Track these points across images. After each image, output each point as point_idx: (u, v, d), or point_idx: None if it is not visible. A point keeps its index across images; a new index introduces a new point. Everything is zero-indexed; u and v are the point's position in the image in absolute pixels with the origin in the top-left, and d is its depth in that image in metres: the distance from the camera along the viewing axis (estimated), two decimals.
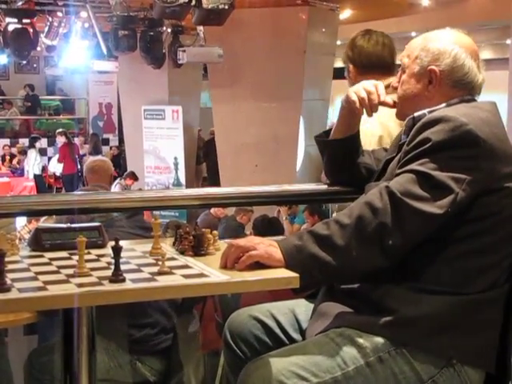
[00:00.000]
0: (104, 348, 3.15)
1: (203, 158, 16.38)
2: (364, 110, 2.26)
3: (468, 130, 1.92)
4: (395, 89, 2.21)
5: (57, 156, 16.01)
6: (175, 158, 13.50)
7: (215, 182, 13.54)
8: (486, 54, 17.35)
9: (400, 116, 2.22)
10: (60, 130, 16.29)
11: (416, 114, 2.11)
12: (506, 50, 14.16)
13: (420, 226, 1.91)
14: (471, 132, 1.92)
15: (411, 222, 1.89)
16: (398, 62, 2.55)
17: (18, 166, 16.50)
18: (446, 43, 2.11)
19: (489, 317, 1.99)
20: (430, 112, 2.06)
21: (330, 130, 2.44)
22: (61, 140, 15.66)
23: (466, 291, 1.95)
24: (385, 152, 2.38)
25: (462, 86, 2.10)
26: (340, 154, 2.39)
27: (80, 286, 1.68)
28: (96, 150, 16.98)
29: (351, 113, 2.31)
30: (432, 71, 2.09)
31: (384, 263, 1.91)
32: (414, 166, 1.95)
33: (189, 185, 13.66)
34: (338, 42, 14.27)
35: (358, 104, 2.24)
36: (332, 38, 12.47)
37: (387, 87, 2.28)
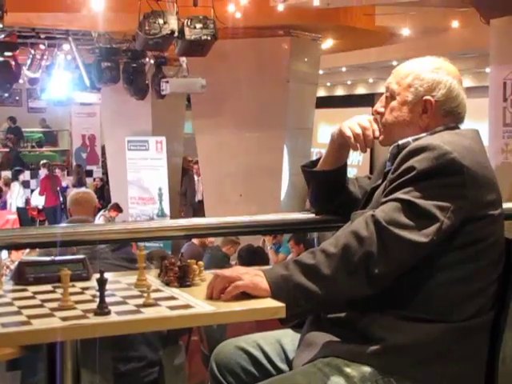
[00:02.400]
0: (89, 382, 3.11)
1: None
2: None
3: (452, 158, 1.94)
4: (378, 114, 2.21)
5: (38, 189, 15.94)
6: (159, 189, 13.49)
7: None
8: (466, 82, 17.52)
9: (386, 142, 2.21)
10: (43, 161, 16.24)
11: (401, 142, 2.12)
12: (485, 78, 14.31)
13: (406, 255, 1.91)
14: (455, 160, 1.94)
15: (397, 250, 1.89)
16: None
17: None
18: (441, 73, 2.13)
19: (476, 344, 1.99)
20: (415, 140, 2.07)
21: (317, 159, 2.44)
22: (43, 172, 15.61)
23: (452, 319, 1.94)
24: (368, 180, 2.39)
25: (453, 115, 2.14)
26: (327, 184, 2.39)
27: (64, 319, 1.66)
28: (80, 182, 16.92)
29: (342, 146, 2.32)
30: (428, 101, 2.11)
31: (370, 292, 1.91)
32: (399, 194, 1.95)
33: (173, 215, 13.63)
34: (321, 72, 14.40)
35: (353, 140, 2.24)
36: (314, 67, 12.58)
37: None
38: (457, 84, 2.15)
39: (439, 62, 2.18)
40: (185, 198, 15.30)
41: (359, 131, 2.23)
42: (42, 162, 16.40)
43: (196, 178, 15.86)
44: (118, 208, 12.72)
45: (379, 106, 2.22)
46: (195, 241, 9.13)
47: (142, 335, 3.31)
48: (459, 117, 2.16)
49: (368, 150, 2.28)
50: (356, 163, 18.98)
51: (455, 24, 11.51)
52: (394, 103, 2.16)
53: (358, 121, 2.25)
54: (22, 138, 20.08)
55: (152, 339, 3.39)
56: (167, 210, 13.47)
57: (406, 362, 1.92)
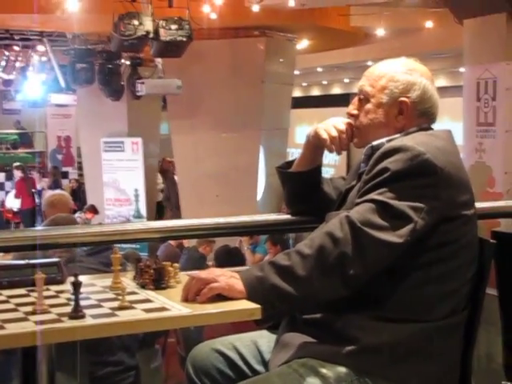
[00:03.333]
0: None
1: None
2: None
3: (426, 159, 1.95)
4: (352, 116, 2.22)
5: (13, 191, 15.81)
6: (135, 190, 13.44)
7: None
8: (441, 81, 17.65)
9: (361, 144, 2.22)
10: (17, 163, 16.10)
11: (375, 143, 2.13)
12: (459, 77, 14.43)
13: (380, 255, 1.92)
14: (429, 161, 1.95)
15: (372, 251, 1.90)
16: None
17: None
18: (415, 75, 2.15)
19: (450, 343, 2.01)
20: (389, 141, 2.08)
21: (292, 160, 2.44)
22: (18, 174, 15.49)
23: (426, 318, 1.96)
24: (343, 180, 2.40)
25: (427, 116, 2.16)
26: (302, 185, 2.40)
27: (39, 323, 1.65)
28: (56, 184, 16.82)
29: (317, 148, 2.33)
30: (403, 103, 2.13)
31: (345, 292, 1.92)
32: (373, 195, 1.96)
33: (149, 216, 13.59)
34: (296, 72, 14.43)
35: (329, 142, 2.24)
36: (289, 67, 12.60)
37: None
38: (430, 85, 2.17)
39: (412, 64, 2.20)
40: (169, 203, 15.10)
41: (335, 134, 2.23)
42: (14, 164, 16.23)
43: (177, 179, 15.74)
44: (93, 210, 12.66)
45: (352, 108, 2.22)
46: (172, 242, 9.11)
47: (118, 339, 3.30)
48: (432, 117, 2.18)
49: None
50: (333, 163, 19.04)
51: (429, 24, 11.60)
52: (368, 106, 2.17)
53: (333, 123, 2.26)
54: None
55: (129, 343, 3.38)
56: (143, 211, 13.43)
57: (381, 362, 1.93)
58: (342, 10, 11.07)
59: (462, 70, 9.88)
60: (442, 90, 17.07)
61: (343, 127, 2.24)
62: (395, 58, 2.26)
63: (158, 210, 15.37)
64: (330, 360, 1.93)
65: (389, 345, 1.93)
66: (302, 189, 2.41)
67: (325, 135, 2.25)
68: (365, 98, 2.18)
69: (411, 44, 13.06)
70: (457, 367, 2.03)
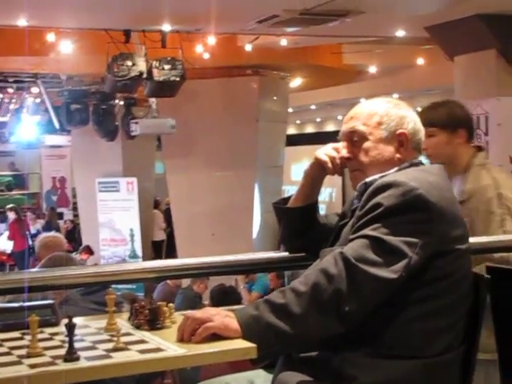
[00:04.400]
0: None
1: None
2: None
3: (418, 194, 1.96)
4: (348, 159, 2.23)
5: (6, 233, 15.74)
6: (131, 230, 13.42)
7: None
8: None
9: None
10: (10, 205, 16.07)
11: (368, 180, 2.14)
12: None
13: (375, 291, 1.91)
14: (421, 196, 1.96)
15: (366, 287, 1.90)
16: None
17: None
18: (403, 108, 2.20)
19: (446, 380, 1.99)
20: (382, 177, 2.09)
21: (289, 197, 2.45)
22: (11, 216, 15.44)
23: (422, 354, 1.95)
24: (337, 217, 2.40)
25: (418, 149, 2.20)
26: (298, 221, 2.41)
27: (33, 366, 1.63)
28: (51, 225, 16.77)
29: (315, 181, 2.36)
30: (402, 134, 2.16)
31: (340, 329, 1.91)
32: (366, 231, 1.97)
33: (145, 255, 13.55)
34: (290, 110, 14.52)
35: (330, 164, 2.28)
36: (283, 105, 12.68)
37: None
38: (417, 118, 2.22)
39: (394, 100, 2.27)
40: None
41: (335, 154, 2.27)
42: (8, 206, 16.19)
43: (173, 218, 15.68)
44: (89, 250, 12.62)
45: (345, 152, 2.23)
46: (169, 281, 9.07)
47: (113, 381, 3.26)
48: (421, 150, 2.22)
49: (340, 185, 2.31)
50: (328, 199, 19.07)
51: (420, 61, 11.71)
52: (367, 144, 2.17)
53: (332, 146, 2.30)
54: None
55: None
56: (139, 251, 13.39)
57: None
58: (335, 48, 11.18)
59: None
60: None
61: (336, 152, 2.27)
62: (387, 94, 2.30)
63: (156, 249, 15.33)
64: None
65: (386, 382, 1.92)
66: (298, 224, 2.42)
67: (325, 157, 2.28)
68: (360, 138, 2.18)
69: (403, 81, 13.19)
70: None
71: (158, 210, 16.28)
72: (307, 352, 2.02)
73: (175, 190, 12.49)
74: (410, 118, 2.19)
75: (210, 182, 11.60)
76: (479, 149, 3.38)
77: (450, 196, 2.08)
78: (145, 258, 13.12)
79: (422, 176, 2.04)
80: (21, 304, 2.06)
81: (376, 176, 2.13)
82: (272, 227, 11.22)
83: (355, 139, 2.20)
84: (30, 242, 14.55)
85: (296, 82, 13.06)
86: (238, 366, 2.16)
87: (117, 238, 13.52)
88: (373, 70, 12.17)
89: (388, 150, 2.16)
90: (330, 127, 21.97)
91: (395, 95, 12.86)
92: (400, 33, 9.08)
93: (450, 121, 3.28)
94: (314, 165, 2.34)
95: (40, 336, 1.80)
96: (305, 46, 10.47)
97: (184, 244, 12.19)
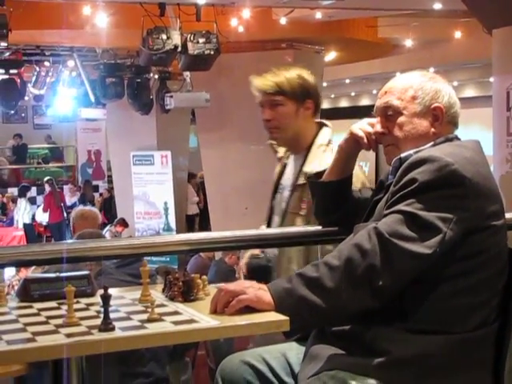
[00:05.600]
0: None
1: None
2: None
3: (454, 169, 1.94)
4: (382, 134, 2.21)
5: (42, 205, 15.98)
6: (165, 203, 13.49)
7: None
8: (470, 91, 17.54)
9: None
10: (47, 178, 16.29)
11: (403, 155, 2.13)
12: (488, 87, 14.33)
13: (409, 267, 1.91)
14: (457, 172, 1.94)
15: (400, 262, 1.89)
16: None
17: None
18: (439, 82, 2.18)
19: (480, 355, 1.98)
20: (416, 152, 2.08)
21: (322, 171, 2.45)
22: (47, 188, 15.64)
23: (456, 330, 1.94)
24: (371, 192, 2.39)
25: (454, 123, 2.18)
26: (332, 195, 2.41)
27: (69, 336, 1.66)
28: (87, 198, 16.94)
29: (350, 155, 2.35)
30: (437, 108, 2.14)
31: (374, 304, 1.91)
32: (401, 206, 1.96)
33: (179, 229, 13.63)
34: (324, 84, 14.42)
35: (365, 139, 2.27)
36: (318, 79, 12.53)
37: None
38: (452, 91, 2.20)
39: (430, 73, 2.24)
40: None
41: (370, 129, 2.26)
42: (45, 178, 16.42)
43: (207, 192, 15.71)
44: (124, 223, 12.74)
45: (379, 127, 2.22)
46: (202, 254, 9.13)
47: (149, 351, 3.31)
48: (457, 124, 2.20)
49: (373, 159, 2.31)
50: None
51: (458, 34, 11.54)
52: (401, 119, 2.16)
53: (367, 121, 2.29)
54: (24, 158, 20.17)
55: (159, 355, 3.39)
56: (173, 225, 13.47)
57: (410, 375, 1.91)
58: (370, 22, 11.06)
59: (491, 79, 9.80)
60: (471, 100, 16.97)
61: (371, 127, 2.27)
62: (423, 68, 2.27)
63: (189, 223, 15.41)
64: (359, 372, 1.92)
65: (419, 357, 1.91)
66: (331, 198, 2.42)
67: (361, 133, 2.28)
68: (395, 113, 2.17)
69: (439, 54, 13.02)
70: (488, 380, 2.01)
71: (191, 184, 16.32)
72: (340, 325, 2.02)
73: (209, 163, 12.50)
74: (445, 92, 2.16)
75: (243, 155, 11.59)
76: (323, 125, 3.03)
77: (487, 171, 2.06)
78: (178, 232, 13.19)
79: (458, 151, 2.02)
80: (57, 274, 2.09)
81: (411, 151, 2.11)
82: None
83: (389, 114, 2.18)
84: (65, 215, 14.73)
85: (330, 55, 12.95)
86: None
87: (151, 211, 13.61)
88: (409, 43, 12.01)
89: (423, 125, 2.14)
90: (364, 101, 21.80)
91: (431, 69, 12.70)
92: (437, 5, 8.94)
93: (300, 90, 2.95)
94: (348, 139, 2.34)
95: (76, 306, 1.83)
96: (339, 20, 10.37)
97: (217, 217, 12.23)
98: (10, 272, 5.73)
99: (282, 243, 2.81)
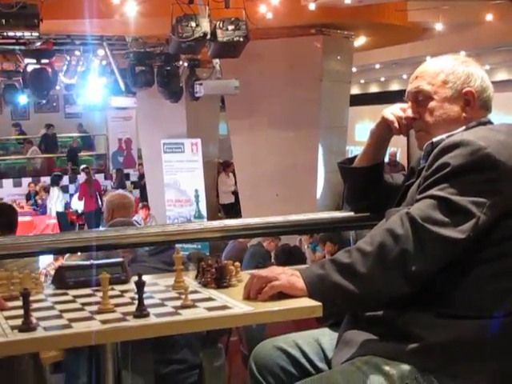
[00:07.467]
0: None
1: None
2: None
3: (487, 153, 1.93)
4: (413, 119, 2.20)
5: (77, 194, 16.14)
6: (196, 191, 13.54)
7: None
8: (502, 75, 17.33)
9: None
10: (83, 166, 16.44)
11: (435, 140, 2.12)
12: None
13: (442, 252, 1.90)
14: (490, 155, 1.92)
15: (433, 247, 1.88)
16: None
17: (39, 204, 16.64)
18: (471, 65, 2.16)
19: None
20: (449, 136, 2.06)
21: (354, 157, 2.45)
22: (82, 177, 15.81)
23: (491, 315, 1.93)
24: (403, 177, 2.38)
25: (486, 107, 2.16)
26: (363, 181, 2.40)
27: (104, 322, 1.68)
28: (121, 186, 17.07)
29: (382, 140, 2.34)
30: (469, 93, 2.12)
31: (407, 290, 1.91)
32: (433, 191, 1.95)
33: (210, 216, 13.68)
34: (354, 69, 14.34)
35: (396, 124, 2.27)
36: (347, 65, 12.52)
37: None
38: (485, 75, 2.17)
39: (461, 57, 2.22)
40: None
41: (401, 114, 2.25)
42: (81, 166, 16.60)
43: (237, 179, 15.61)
44: (147, 206, 13.00)
45: (410, 112, 2.21)
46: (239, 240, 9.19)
47: (182, 337, 3.33)
48: (490, 108, 2.17)
49: (404, 144, 2.30)
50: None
51: (489, 17, 11.38)
52: (432, 103, 2.15)
53: (399, 106, 2.28)
54: (55, 148, 20.35)
55: (192, 341, 3.41)
56: (204, 212, 13.52)
57: (445, 360, 1.90)
58: (400, 6, 10.95)
59: None
60: (504, 84, 16.75)
61: (403, 112, 2.25)
62: (454, 52, 2.25)
63: (227, 213, 15.37)
64: (393, 358, 1.92)
65: (453, 342, 1.90)
66: (363, 185, 2.41)
67: (392, 117, 2.27)
68: (425, 98, 2.16)
69: (471, 38, 12.86)
70: None
71: (226, 173, 16.29)
72: (373, 311, 2.02)
73: (239, 150, 12.51)
74: (477, 75, 2.14)
75: (273, 142, 11.58)
76: None
77: None
78: (209, 219, 13.24)
79: (491, 135, 2.00)
80: (91, 262, 2.12)
81: (443, 136, 2.10)
82: (336, 188, 11.18)
83: (420, 99, 2.17)
84: (100, 203, 14.83)
85: (360, 40, 12.86)
86: (303, 324, 2.17)
87: (182, 198, 13.67)
88: (439, 27, 11.87)
89: (454, 110, 2.13)
90: (394, 86, 21.65)
91: (462, 53, 12.57)
92: None
93: None
94: (380, 124, 2.33)
95: (111, 293, 1.85)
96: (369, 4, 10.28)
97: (248, 205, 12.25)
98: (45, 260, 5.80)
99: (314, 229, 2.81)
